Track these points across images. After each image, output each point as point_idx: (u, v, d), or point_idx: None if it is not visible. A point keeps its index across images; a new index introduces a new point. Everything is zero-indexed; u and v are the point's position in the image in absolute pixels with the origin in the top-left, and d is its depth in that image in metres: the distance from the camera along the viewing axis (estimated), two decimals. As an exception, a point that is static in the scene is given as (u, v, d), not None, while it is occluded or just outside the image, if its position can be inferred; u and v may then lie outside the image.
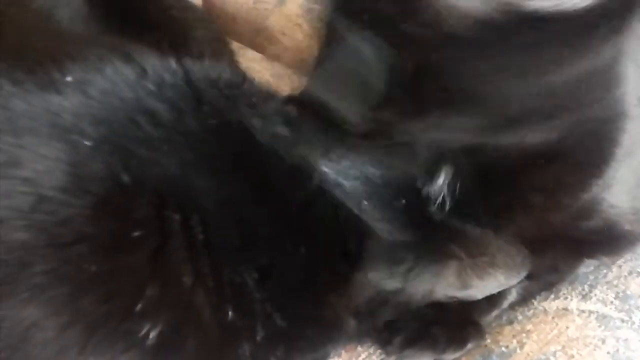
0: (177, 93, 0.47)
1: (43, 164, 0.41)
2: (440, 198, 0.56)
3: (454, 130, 0.52)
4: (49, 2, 0.59)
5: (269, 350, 0.48)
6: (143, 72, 0.47)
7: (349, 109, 0.53)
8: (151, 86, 0.46)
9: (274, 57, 0.99)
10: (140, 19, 0.64)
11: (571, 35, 0.46)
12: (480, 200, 0.57)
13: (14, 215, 0.40)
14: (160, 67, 0.48)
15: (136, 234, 0.42)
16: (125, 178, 0.43)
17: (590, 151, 0.58)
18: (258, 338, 0.46)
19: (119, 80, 0.46)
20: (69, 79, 0.44)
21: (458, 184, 0.56)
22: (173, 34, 0.65)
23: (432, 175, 0.56)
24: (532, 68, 0.48)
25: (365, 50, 0.51)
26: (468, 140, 0.53)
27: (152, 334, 0.42)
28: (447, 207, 0.56)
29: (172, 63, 0.49)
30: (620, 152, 0.58)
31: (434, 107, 0.52)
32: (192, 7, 0.74)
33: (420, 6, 0.47)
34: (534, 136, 0.53)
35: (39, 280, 0.40)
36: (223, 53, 0.74)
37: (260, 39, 1.01)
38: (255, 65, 0.96)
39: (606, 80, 0.53)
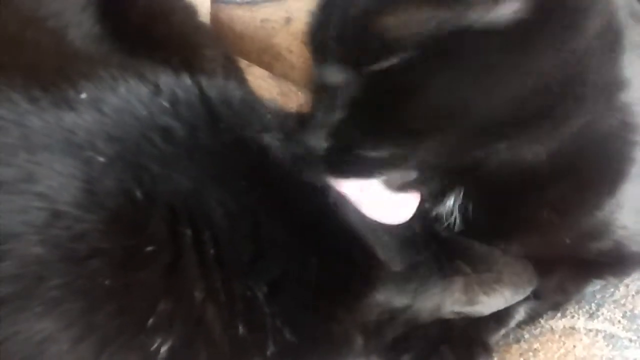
0: (191, 110, 0.48)
1: (57, 180, 0.42)
2: (452, 219, 0.57)
3: (440, 151, 0.52)
4: (61, 22, 0.60)
5: None
6: (157, 89, 0.48)
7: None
8: (165, 103, 0.48)
9: (280, 75, 1.02)
10: (152, 38, 0.65)
11: (513, 45, 0.46)
12: (489, 218, 0.58)
13: (28, 230, 0.41)
14: (173, 84, 0.49)
15: (149, 249, 0.43)
16: (139, 194, 0.44)
17: (602, 168, 0.57)
18: (268, 353, 0.47)
19: (132, 98, 0.47)
20: (83, 96, 0.45)
21: (470, 205, 0.56)
22: (184, 53, 0.66)
23: (442, 196, 0.57)
24: (487, 79, 0.48)
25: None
26: (462, 160, 0.53)
27: (164, 349, 0.43)
28: (457, 228, 0.57)
29: (186, 80, 0.50)
30: (634, 169, 0.57)
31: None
32: (202, 26, 0.76)
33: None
34: (529, 149, 0.53)
35: (53, 294, 0.41)
36: (233, 71, 0.75)
37: (267, 56, 1.05)
38: (263, 83, 0.98)
39: (600, 86, 0.52)
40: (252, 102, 0.55)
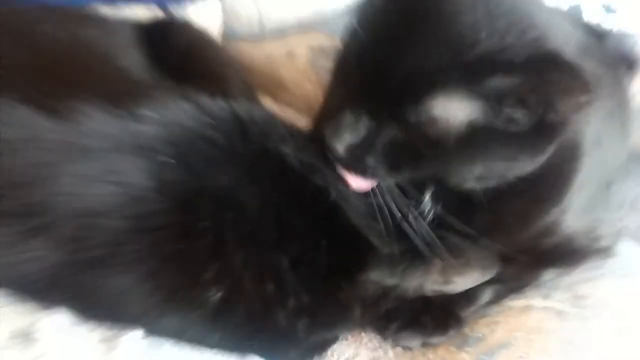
0: (227, 125, 0.63)
1: (134, 173, 0.57)
2: (426, 213, 0.71)
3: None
4: (120, 56, 0.75)
5: (297, 318, 0.62)
6: (200, 108, 0.63)
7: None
8: (207, 119, 0.62)
9: (285, 104, 1.09)
10: (190, 69, 0.80)
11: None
12: (465, 219, 0.71)
13: (113, 209, 0.56)
14: (212, 105, 0.64)
15: (201, 224, 0.57)
16: (193, 184, 0.58)
17: (551, 186, 0.71)
18: (289, 306, 0.60)
19: (182, 115, 0.62)
20: (146, 112, 0.60)
21: (440, 205, 0.70)
22: (216, 82, 0.80)
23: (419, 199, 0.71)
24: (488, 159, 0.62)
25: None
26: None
27: (214, 299, 0.57)
28: (430, 220, 0.70)
29: (221, 102, 0.65)
30: (573, 187, 0.72)
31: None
32: (229, 61, 0.91)
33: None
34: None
35: (131, 257, 0.56)
36: (252, 96, 0.89)
37: (272, 86, 1.12)
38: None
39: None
40: (271, 120, 0.69)
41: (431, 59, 0.55)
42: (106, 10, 0.98)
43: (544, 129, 0.58)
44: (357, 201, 0.66)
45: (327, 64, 1.12)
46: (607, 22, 1.35)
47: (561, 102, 0.57)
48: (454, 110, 0.57)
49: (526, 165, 0.62)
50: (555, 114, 0.57)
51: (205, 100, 0.64)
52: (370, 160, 0.61)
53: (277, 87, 1.13)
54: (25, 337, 0.52)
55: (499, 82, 0.55)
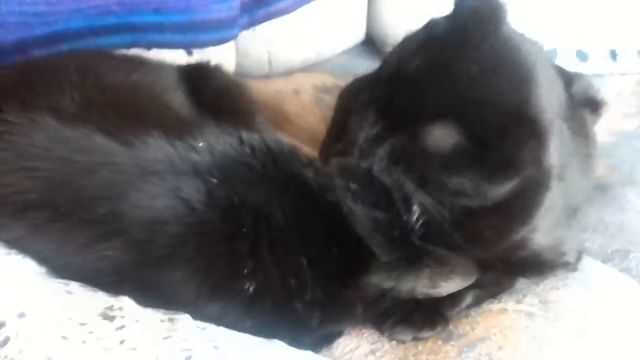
0: (261, 154, 0.78)
1: (191, 190, 0.72)
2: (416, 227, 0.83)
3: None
4: (167, 96, 0.90)
5: (313, 310, 0.75)
6: (241, 140, 0.78)
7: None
8: (247, 149, 0.77)
9: (290, 136, 1.17)
10: (223, 108, 0.95)
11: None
12: (448, 233, 0.85)
13: (175, 217, 0.70)
14: (250, 138, 0.79)
15: (243, 230, 0.72)
16: (236, 200, 0.73)
17: (522, 208, 0.84)
18: (306, 299, 0.74)
19: (227, 146, 0.77)
20: (201, 144, 0.76)
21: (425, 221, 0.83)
22: (245, 118, 0.95)
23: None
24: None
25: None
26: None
27: (250, 289, 0.71)
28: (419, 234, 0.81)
29: (256, 136, 0.80)
30: (541, 210, 0.85)
31: None
32: (253, 99, 1.06)
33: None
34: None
35: (188, 255, 0.70)
36: (274, 131, 1.05)
37: (278, 120, 1.21)
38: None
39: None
40: (294, 150, 0.84)
41: (441, 99, 0.72)
42: (144, 53, 1.14)
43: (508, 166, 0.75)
44: (362, 216, 0.77)
45: (329, 100, 1.27)
46: (579, 68, 1.52)
47: (523, 153, 0.73)
48: (442, 137, 0.72)
49: (492, 190, 0.77)
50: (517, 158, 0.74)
51: (245, 134, 0.80)
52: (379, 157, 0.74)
53: (283, 120, 1.23)
54: (105, 315, 0.65)
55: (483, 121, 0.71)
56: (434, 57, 0.74)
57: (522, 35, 0.86)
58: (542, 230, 0.88)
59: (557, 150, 0.84)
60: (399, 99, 0.74)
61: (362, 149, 0.76)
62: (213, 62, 1.11)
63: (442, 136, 0.72)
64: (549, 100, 0.78)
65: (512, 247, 0.87)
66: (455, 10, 0.78)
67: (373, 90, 0.78)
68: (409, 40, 0.81)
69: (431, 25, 0.80)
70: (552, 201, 0.87)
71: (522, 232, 0.86)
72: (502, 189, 0.77)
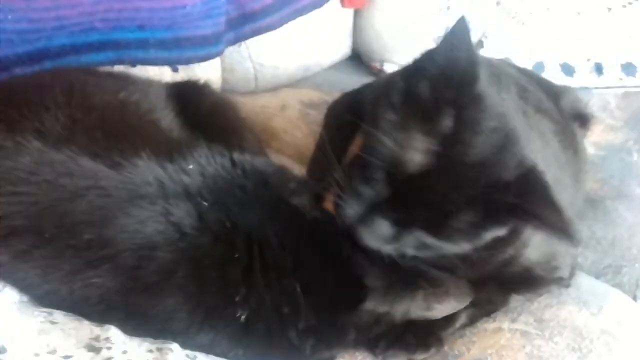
0: (253, 175, 0.76)
1: (182, 214, 0.70)
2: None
3: None
4: (156, 115, 0.88)
5: (307, 337, 0.73)
6: (234, 162, 0.76)
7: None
8: (239, 171, 0.75)
9: (278, 151, 1.19)
10: (214, 127, 0.93)
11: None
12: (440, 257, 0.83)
13: (165, 242, 0.68)
14: (242, 159, 0.77)
15: (235, 255, 0.70)
16: (228, 224, 0.71)
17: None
18: (300, 327, 0.72)
19: (220, 168, 0.75)
20: (191, 167, 0.74)
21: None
22: (235, 138, 0.94)
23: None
24: None
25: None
26: None
27: (243, 317, 0.69)
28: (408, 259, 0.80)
29: (248, 157, 0.78)
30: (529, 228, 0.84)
31: None
32: (243, 119, 1.04)
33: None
34: None
35: (179, 281, 0.68)
36: (263, 149, 1.03)
37: (266, 136, 1.21)
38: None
39: None
40: (284, 174, 0.82)
41: (456, 192, 0.71)
42: (129, 70, 1.12)
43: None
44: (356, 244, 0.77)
45: (316, 116, 1.27)
46: (565, 81, 1.53)
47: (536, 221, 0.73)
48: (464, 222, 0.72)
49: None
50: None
51: (237, 156, 0.78)
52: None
53: (270, 136, 1.23)
54: (91, 347, 0.62)
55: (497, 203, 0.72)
56: (434, 149, 0.72)
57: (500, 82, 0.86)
58: (532, 246, 0.88)
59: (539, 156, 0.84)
60: (408, 198, 0.73)
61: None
62: (199, 79, 1.10)
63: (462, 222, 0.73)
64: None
65: (502, 264, 0.87)
66: (428, 62, 0.75)
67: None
68: (386, 108, 0.77)
69: (407, 88, 0.76)
70: None
71: (512, 250, 0.86)
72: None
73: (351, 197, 0.75)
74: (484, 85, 0.74)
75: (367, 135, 0.76)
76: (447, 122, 0.71)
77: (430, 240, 0.74)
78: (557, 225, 0.72)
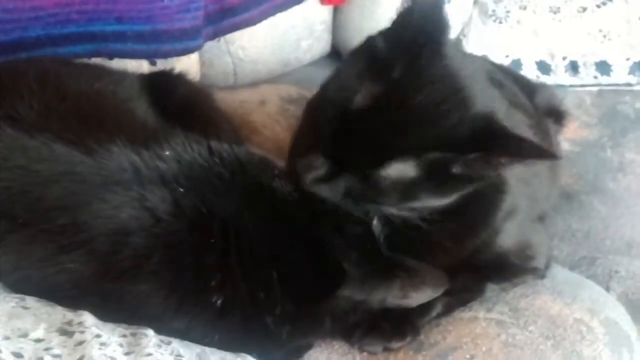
0: (230, 163, 0.76)
1: (157, 200, 0.69)
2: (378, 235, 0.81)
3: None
4: (130, 104, 0.87)
5: (283, 324, 0.73)
6: (210, 150, 0.76)
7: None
8: (216, 159, 0.75)
9: (257, 146, 1.15)
10: (189, 116, 0.93)
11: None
12: (414, 244, 0.83)
13: (140, 228, 0.68)
14: (219, 147, 0.77)
15: (211, 241, 0.69)
16: (204, 210, 0.71)
17: (479, 213, 0.86)
18: (277, 312, 0.72)
19: (196, 155, 0.75)
20: (167, 153, 0.73)
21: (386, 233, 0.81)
22: (211, 127, 0.93)
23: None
24: None
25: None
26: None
27: (219, 302, 0.69)
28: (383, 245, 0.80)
29: (226, 146, 0.78)
30: (500, 214, 0.87)
31: None
32: (218, 108, 1.04)
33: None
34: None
35: (153, 268, 0.67)
36: (240, 139, 1.03)
37: (245, 130, 1.20)
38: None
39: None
40: (263, 161, 0.82)
41: (393, 136, 0.70)
42: (106, 63, 1.12)
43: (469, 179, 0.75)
44: (336, 232, 0.77)
45: (295, 111, 1.27)
46: (542, 79, 1.55)
47: (478, 169, 0.73)
48: (400, 172, 0.72)
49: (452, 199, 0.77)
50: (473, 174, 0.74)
51: (214, 144, 0.77)
52: (331, 192, 0.75)
53: (249, 131, 1.22)
54: (63, 330, 0.61)
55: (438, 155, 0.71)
56: (378, 91, 0.72)
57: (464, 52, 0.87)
58: (505, 234, 0.90)
59: None
60: (346, 138, 0.72)
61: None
62: (174, 68, 1.09)
63: (400, 171, 0.72)
64: (499, 110, 0.78)
65: (474, 251, 0.88)
66: (396, 26, 0.77)
67: (319, 124, 0.76)
68: (348, 67, 0.79)
69: (369, 49, 0.77)
70: (514, 204, 0.89)
71: (483, 236, 0.88)
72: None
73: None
74: (449, 45, 0.74)
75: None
76: (398, 70, 0.71)
77: (358, 186, 0.73)
78: (533, 151, 0.72)
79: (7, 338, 0.57)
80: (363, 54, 0.77)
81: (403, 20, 0.75)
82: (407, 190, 0.74)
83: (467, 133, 0.71)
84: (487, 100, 0.76)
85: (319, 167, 0.73)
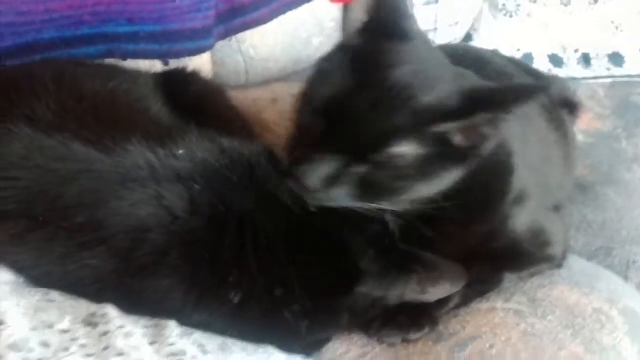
0: (242, 163, 0.76)
1: (174, 198, 0.70)
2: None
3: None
4: (145, 103, 0.88)
5: (302, 319, 0.74)
6: (223, 149, 0.77)
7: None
8: (231, 156, 0.76)
9: (269, 143, 1.11)
10: (202, 114, 0.93)
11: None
12: (427, 237, 0.83)
13: (158, 226, 0.69)
14: (230, 146, 0.78)
15: (228, 240, 0.70)
16: (220, 207, 0.72)
17: (485, 198, 0.85)
18: (295, 308, 0.73)
19: (208, 154, 0.75)
20: (181, 152, 0.74)
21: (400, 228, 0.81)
22: (224, 124, 0.93)
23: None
24: None
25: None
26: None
27: (237, 298, 0.70)
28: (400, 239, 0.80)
29: (236, 144, 0.79)
30: (509, 197, 0.86)
31: None
32: (232, 105, 1.05)
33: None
34: None
35: (173, 263, 0.68)
36: (252, 135, 1.03)
37: (258, 128, 1.18)
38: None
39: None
40: (272, 160, 0.82)
41: (387, 118, 0.71)
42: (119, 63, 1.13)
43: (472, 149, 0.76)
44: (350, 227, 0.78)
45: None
46: (554, 72, 1.55)
47: (477, 133, 0.74)
48: (407, 151, 0.72)
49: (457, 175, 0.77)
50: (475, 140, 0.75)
51: (225, 142, 0.78)
52: (336, 191, 0.74)
53: (262, 129, 1.22)
54: (88, 322, 0.62)
55: (439, 128, 0.72)
56: (361, 78, 0.73)
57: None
58: (517, 220, 0.89)
59: (519, 135, 0.87)
60: (339, 131, 0.72)
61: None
62: (187, 67, 1.10)
63: (403, 151, 0.72)
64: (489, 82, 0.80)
65: (484, 237, 0.88)
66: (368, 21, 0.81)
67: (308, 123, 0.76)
68: (327, 62, 0.81)
69: (346, 43, 0.82)
70: (522, 189, 0.89)
71: (492, 222, 0.88)
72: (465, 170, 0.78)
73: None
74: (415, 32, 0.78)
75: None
76: (373, 55, 0.74)
77: (366, 177, 0.73)
78: (521, 94, 0.73)
79: (34, 329, 0.58)
80: (341, 47, 0.82)
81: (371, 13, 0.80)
82: (415, 170, 0.73)
83: (455, 102, 0.72)
84: (460, 72, 0.79)
85: (320, 168, 0.72)
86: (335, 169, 0.72)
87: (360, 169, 0.72)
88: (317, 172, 0.71)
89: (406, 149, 0.71)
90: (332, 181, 0.72)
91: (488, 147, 0.77)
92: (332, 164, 0.71)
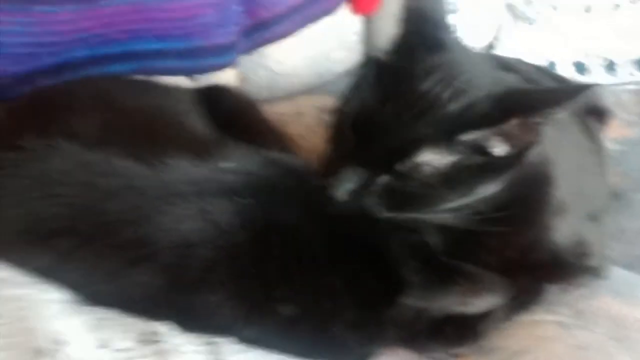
0: (286, 173, 0.76)
1: (218, 211, 0.69)
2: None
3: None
4: (188, 118, 0.88)
5: (348, 332, 0.73)
6: (268, 161, 0.76)
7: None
8: (272, 169, 0.76)
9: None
10: (236, 127, 0.93)
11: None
12: (466, 249, 0.81)
13: (204, 240, 0.68)
14: (273, 157, 0.78)
15: (275, 253, 0.69)
16: (263, 221, 0.71)
17: (526, 208, 0.84)
18: (342, 321, 0.72)
19: (255, 166, 0.75)
20: (224, 165, 0.74)
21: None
22: (257, 136, 0.93)
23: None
24: None
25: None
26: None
27: (286, 311, 0.69)
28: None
29: (279, 155, 0.79)
30: (549, 211, 0.86)
31: None
32: (265, 119, 1.05)
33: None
34: None
35: (220, 278, 0.67)
36: (287, 147, 1.03)
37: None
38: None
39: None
40: (310, 170, 0.82)
41: (412, 127, 0.71)
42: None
43: (506, 160, 0.75)
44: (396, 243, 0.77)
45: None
46: (578, 80, 1.54)
47: (515, 140, 0.73)
48: (435, 160, 0.72)
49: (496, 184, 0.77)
50: (513, 147, 0.74)
51: (268, 154, 0.78)
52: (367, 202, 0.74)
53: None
54: (143, 340, 0.62)
55: (468, 136, 0.71)
56: (390, 91, 0.74)
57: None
58: (557, 231, 0.88)
59: (555, 142, 0.85)
60: (367, 144, 0.73)
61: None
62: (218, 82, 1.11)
63: (431, 160, 0.72)
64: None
65: (523, 250, 0.87)
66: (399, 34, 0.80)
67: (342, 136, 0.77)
68: (360, 77, 0.81)
69: (377, 58, 0.81)
70: (567, 200, 0.88)
71: (532, 235, 0.86)
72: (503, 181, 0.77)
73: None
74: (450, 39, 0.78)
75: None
76: (404, 68, 0.74)
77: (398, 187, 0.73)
78: (560, 96, 0.72)
79: (98, 347, 0.57)
80: (373, 61, 0.81)
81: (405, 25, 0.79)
82: (442, 179, 0.73)
83: (486, 107, 0.71)
84: (500, 77, 0.78)
85: (347, 180, 0.73)
86: (362, 181, 0.73)
87: (387, 180, 0.73)
88: (345, 185, 0.73)
89: (431, 158, 0.71)
90: (360, 193, 0.73)
91: (529, 154, 0.76)
92: (359, 175, 0.73)
